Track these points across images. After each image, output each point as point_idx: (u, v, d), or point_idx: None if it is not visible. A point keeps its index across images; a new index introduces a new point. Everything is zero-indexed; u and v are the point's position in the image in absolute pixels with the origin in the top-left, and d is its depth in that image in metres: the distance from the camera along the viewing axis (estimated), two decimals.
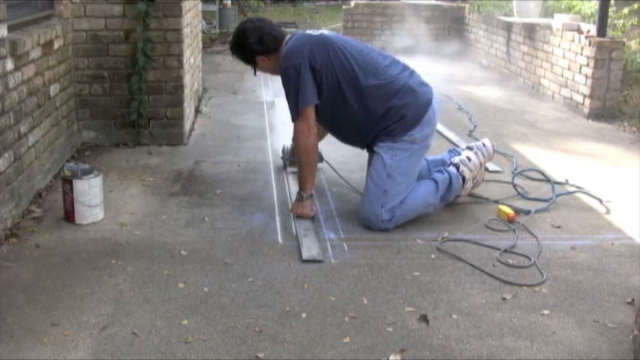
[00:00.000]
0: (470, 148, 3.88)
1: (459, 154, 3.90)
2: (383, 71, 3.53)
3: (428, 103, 3.55)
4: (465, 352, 2.40)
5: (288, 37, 3.61)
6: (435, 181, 3.60)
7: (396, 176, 3.45)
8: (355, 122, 3.55)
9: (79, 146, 4.63)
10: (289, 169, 4.24)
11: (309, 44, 3.47)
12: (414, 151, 3.51)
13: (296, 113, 3.45)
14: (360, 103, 3.48)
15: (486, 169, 4.43)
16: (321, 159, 4.08)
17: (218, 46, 9.97)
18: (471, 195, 3.93)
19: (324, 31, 3.67)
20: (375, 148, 3.53)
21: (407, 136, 3.48)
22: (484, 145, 3.91)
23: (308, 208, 3.51)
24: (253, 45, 3.56)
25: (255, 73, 3.75)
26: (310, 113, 3.44)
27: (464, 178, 3.69)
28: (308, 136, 3.44)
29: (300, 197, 3.53)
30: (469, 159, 3.74)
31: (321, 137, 3.77)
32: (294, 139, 3.54)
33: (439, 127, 5.41)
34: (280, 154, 4.44)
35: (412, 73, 3.66)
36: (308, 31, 3.62)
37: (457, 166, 3.70)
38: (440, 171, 3.69)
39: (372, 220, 3.43)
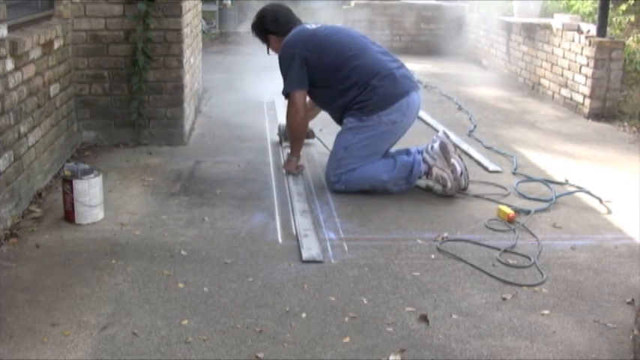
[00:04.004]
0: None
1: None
2: (372, 54, 3.98)
3: (405, 92, 3.92)
4: (465, 352, 2.40)
5: (300, 26, 4.13)
6: (395, 162, 3.92)
7: (352, 151, 3.91)
8: (337, 96, 3.99)
9: (79, 146, 4.63)
10: (284, 144, 4.76)
11: (303, 36, 4.01)
12: (377, 133, 3.90)
13: (286, 92, 4.02)
14: (345, 81, 3.92)
15: (486, 169, 4.44)
16: (313, 136, 4.76)
17: (218, 46, 9.98)
18: (469, 195, 3.94)
19: (321, 25, 4.15)
20: (345, 121, 4.00)
21: (376, 115, 3.88)
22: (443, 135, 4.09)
23: (293, 166, 4.18)
24: (268, 24, 4.18)
25: (267, 52, 4.31)
26: (297, 97, 3.99)
27: (429, 166, 3.89)
28: (295, 117, 4.04)
29: (289, 158, 4.23)
30: (432, 147, 3.94)
31: (313, 116, 4.49)
32: (286, 117, 4.14)
33: (439, 126, 5.43)
34: (277, 132, 4.97)
35: (401, 66, 4.04)
36: (306, 25, 4.15)
37: (421, 153, 3.97)
38: (407, 155, 3.99)
39: (326, 179, 4.04)
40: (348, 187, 3.92)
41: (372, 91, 3.87)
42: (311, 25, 4.13)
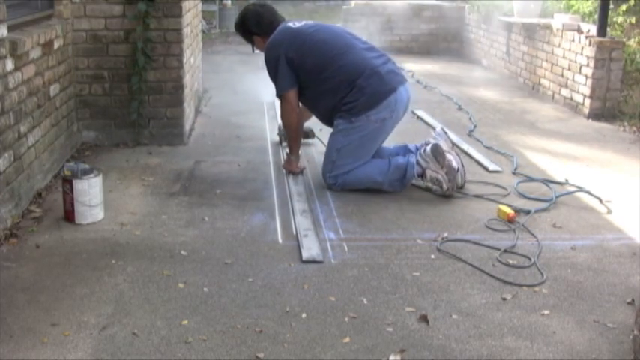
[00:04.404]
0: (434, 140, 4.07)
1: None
2: (357, 52, 3.95)
3: (392, 89, 3.90)
4: (465, 352, 2.40)
5: (282, 24, 4.09)
6: (389, 164, 3.93)
7: (345, 153, 3.91)
8: (323, 96, 3.98)
9: (79, 146, 4.63)
10: (284, 144, 4.70)
11: (286, 35, 3.99)
12: (367, 132, 3.90)
13: (280, 94, 4.03)
14: (330, 81, 3.90)
15: (486, 169, 4.44)
16: (313, 136, 4.80)
17: (218, 46, 9.98)
18: (469, 195, 3.94)
19: (305, 23, 4.11)
20: (335, 123, 3.99)
21: (364, 115, 3.87)
22: (443, 132, 4.11)
23: (294, 165, 4.19)
24: (251, 27, 4.15)
25: (253, 51, 4.34)
26: (290, 96, 3.99)
27: (422, 168, 3.90)
28: (291, 115, 4.06)
29: (288, 157, 4.24)
30: (425, 150, 3.93)
31: (309, 116, 4.37)
32: (280, 116, 4.15)
33: (438, 126, 5.43)
34: (277, 132, 4.96)
35: (387, 61, 4.02)
36: (289, 23, 4.09)
37: (415, 155, 3.97)
38: (404, 156, 4.00)
39: (324, 180, 4.03)
40: (344, 188, 3.94)
41: (359, 92, 3.86)
42: (294, 24, 4.09)
